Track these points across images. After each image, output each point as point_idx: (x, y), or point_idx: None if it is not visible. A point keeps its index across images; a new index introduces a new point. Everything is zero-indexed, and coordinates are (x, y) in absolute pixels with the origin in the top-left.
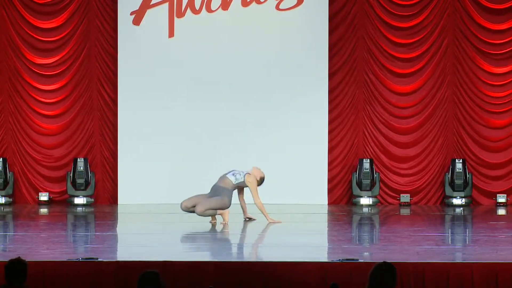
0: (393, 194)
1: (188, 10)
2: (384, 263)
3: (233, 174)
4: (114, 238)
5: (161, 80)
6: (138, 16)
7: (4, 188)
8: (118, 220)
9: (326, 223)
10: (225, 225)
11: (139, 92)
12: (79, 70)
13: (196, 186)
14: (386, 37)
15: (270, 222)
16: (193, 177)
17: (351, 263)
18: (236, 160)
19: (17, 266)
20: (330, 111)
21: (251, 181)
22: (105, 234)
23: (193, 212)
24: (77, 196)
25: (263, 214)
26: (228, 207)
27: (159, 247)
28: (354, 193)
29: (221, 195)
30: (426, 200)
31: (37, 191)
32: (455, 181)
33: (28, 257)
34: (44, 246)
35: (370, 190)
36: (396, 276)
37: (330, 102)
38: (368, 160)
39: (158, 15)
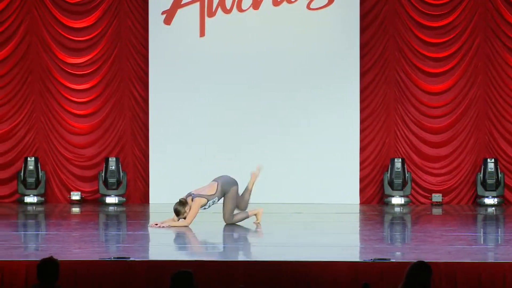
0: (425, 194)
1: (219, 9)
2: (421, 262)
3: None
4: (146, 237)
5: (191, 80)
6: (169, 16)
7: (36, 188)
8: (150, 219)
9: (358, 223)
10: (257, 224)
11: (170, 91)
12: (110, 70)
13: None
14: (417, 36)
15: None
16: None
17: (383, 262)
18: (267, 159)
19: (49, 265)
20: (361, 111)
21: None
22: (137, 234)
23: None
24: (109, 196)
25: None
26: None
27: (190, 247)
28: (386, 192)
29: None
30: (458, 199)
31: (69, 190)
32: (487, 180)
33: (60, 256)
34: (76, 245)
35: (401, 189)
36: (431, 275)
37: (361, 101)
38: (400, 160)
39: (189, 14)
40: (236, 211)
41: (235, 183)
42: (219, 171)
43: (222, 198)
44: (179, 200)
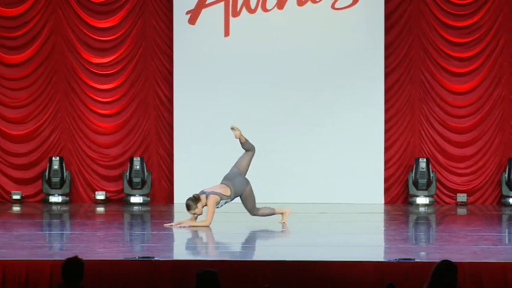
0: (450, 194)
1: (244, 9)
2: (447, 261)
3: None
4: (171, 237)
5: (216, 79)
6: (193, 16)
7: (61, 187)
8: (174, 219)
9: (383, 223)
10: (283, 224)
11: (195, 91)
12: (135, 69)
13: (252, 184)
14: (442, 36)
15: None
16: (248, 175)
17: (408, 262)
18: (292, 159)
19: (74, 265)
20: (386, 110)
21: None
22: (162, 233)
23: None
24: (134, 195)
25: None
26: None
27: (215, 246)
28: (411, 192)
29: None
30: (483, 199)
31: (94, 190)
32: None
33: (85, 256)
34: (101, 245)
35: (426, 189)
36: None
37: (386, 101)
38: (425, 160)
39: (213, 14)
40: (261, 206)
41: (247, 182)
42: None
43: (237, 197)
44: (193, 195)
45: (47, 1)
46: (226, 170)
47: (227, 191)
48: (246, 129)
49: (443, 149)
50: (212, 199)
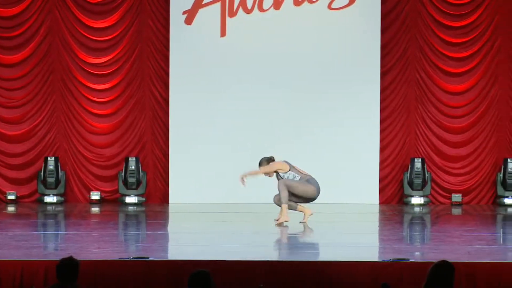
0: (445, 194)
1: (240, 9)
2: (444, 261)
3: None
4: (165, 237)
5: (212, 80)
6: (190, 16)
7: (56, 187)
8: (169, 219)
9: (377, 223)
10: (304, 223)
11: (191, 91)
12: (131, 70)
13: (248, 185)
14: (439, 36)
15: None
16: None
17: (402, 262)
18: (287, 158)
19: (68, 265)
20: (381, 110)
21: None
22: (156, 233)
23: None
24: (129, 195)
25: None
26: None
27: (210, 246)
28: (406, 192)
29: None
30: (478, 199)
31: (89, 190)
32: (507, 180)
33: (80, 256)
34: (96, 245)
35: (421, 189)
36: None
37: (382, 101)
38: (420, 160)
39: (210, 14)
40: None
41: (318, 190)
42: (239, 172)
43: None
44: (271, 156)
45: (43, 1)
46: (221, 170)
47: (302, 173)
48: (242, 129)
49: (439, 149)
50: (281, 164)
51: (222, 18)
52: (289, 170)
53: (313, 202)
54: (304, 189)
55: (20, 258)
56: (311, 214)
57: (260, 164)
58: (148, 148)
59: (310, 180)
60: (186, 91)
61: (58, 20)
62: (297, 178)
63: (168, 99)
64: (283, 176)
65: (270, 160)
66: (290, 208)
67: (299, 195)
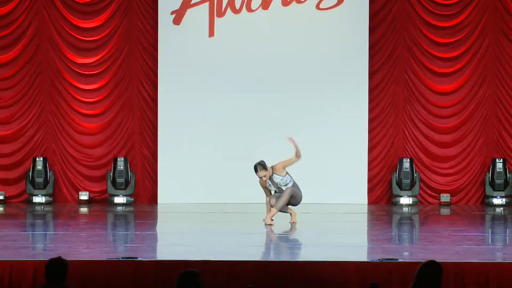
0: (433, 194)
1: (229, 9)
2: (432, 261)
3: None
4: (154, 237)
5: (201, 80)
6: (178, 16)
7: (44, 187)
8: (158, 220)
9: (366, 223)
10: (293, 224)
11: (179, 91)
12: (120, 70)
13: (235, 185)
14: (427, 36)
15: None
16: (232, 176)
17: (391, 262)
18: (276, 159)
19: (57, 265)
20: (370, 111)
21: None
22: (145, 234)
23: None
24: (117, 196)
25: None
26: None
27: (198, 247)
28: (394, 192)
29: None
30: (466, 199)
31: (77, 190)
32: (496, 180)
33: (68, 256)
34: (84, 245)
35: (410, 189)
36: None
37: (370, 101)
38: (408, 160)
39: (198, 14)
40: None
41: (301, 196)
42: (228, 171)
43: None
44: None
45: (31, 2)
46: (210, 170)
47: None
48: (230, 129)
49: (427, 149)
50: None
51: (210, 18)
52: (286, 174)
53: (301, 202)
54: (300, 196)
55: (8, 258)
56: (296, 214)
57: (257, 170)
58: (136, 148)
59: (296, 185)
60: (174, 91)
61: (46, 20)
62: (291, 184)
63: (157, 99)
64: (281, 179)
65: (265, 165)
66: (281, 210)
67: (293, 201)
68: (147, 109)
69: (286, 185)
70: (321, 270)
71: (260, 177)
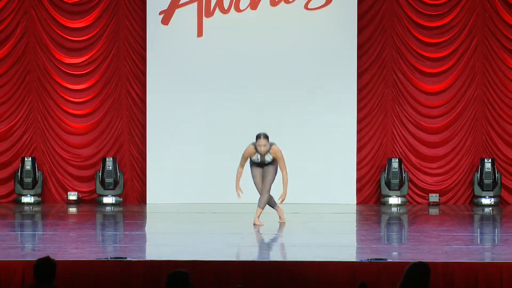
0: (422, 194)
1: (217, 9)
2: (420, 262)
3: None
4: (143, 237)
5: (189, 80)
6: (167, 16)
7: (33, 188)
8: (147, 220)
9: (355, 223)
10: (282, 223)
11: (168, 91)
12: (108, 70)
13: (225, 185)
14: (415, 36)
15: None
16: (222, 176)
17: (380, 262)
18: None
19: (46, 265)
20: (358, 111)
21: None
22: (134, 234)
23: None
24: (106, 196)
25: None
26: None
27: (187, 247)
28: (383, 192)
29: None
30: (455, 199)
31: (66, 191)
32: (484, 180)
33: (57, 257)
34: (73, 245)
35: (399, 189)
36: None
37: (358, 101)
38: (397, 160)
39: (186, 14)
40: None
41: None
42: (217, 171)
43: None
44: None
45: (20, 1)
46: (199, 170)
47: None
48: (219, 129)
49: (416, 149)
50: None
51: (199, 18)
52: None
53: (288, 202)
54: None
55: None
56: (284, 211)
57: (259, 138)
58: (125, 148)
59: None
60: (163, 91)
61: (35, 20)
62: (276, 165)
63: (145, 99)
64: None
65: (268, 139)
66: (269, 204)
67: (265, 180)
68: (136, 109)
69: (270, 163)
70: (310, 270)
71: (259, 145)
